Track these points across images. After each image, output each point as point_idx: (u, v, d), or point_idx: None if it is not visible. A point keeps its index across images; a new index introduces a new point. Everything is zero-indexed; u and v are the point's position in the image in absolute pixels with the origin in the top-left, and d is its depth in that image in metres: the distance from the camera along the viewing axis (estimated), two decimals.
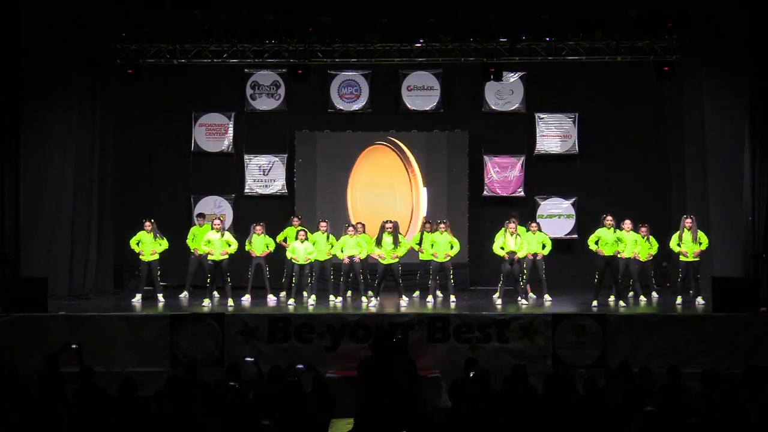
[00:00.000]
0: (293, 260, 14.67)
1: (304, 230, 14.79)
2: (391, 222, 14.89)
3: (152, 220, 15.23)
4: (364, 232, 15.23)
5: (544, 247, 15.18)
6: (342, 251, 14.93)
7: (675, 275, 14.84)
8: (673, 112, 16.60)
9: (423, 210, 17.58)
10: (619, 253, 14.36)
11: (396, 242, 14.68)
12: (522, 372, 9.04)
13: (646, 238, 14.93)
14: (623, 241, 14.39)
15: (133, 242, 15.07)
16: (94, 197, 15.73)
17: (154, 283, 15.07)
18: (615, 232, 14.33)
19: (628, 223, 14.68)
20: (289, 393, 8.35)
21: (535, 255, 15.01)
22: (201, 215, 16.07)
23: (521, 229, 14.96)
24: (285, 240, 15.48)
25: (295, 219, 15.75)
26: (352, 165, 17.76)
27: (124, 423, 7.11)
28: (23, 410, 7.25)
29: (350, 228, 15.08)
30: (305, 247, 14.59)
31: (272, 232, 15.53)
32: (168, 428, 7.13)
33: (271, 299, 14.86)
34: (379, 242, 14.73)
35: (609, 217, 14.41)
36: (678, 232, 14.46)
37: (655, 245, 15.07)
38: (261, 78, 17.88)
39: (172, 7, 15.10)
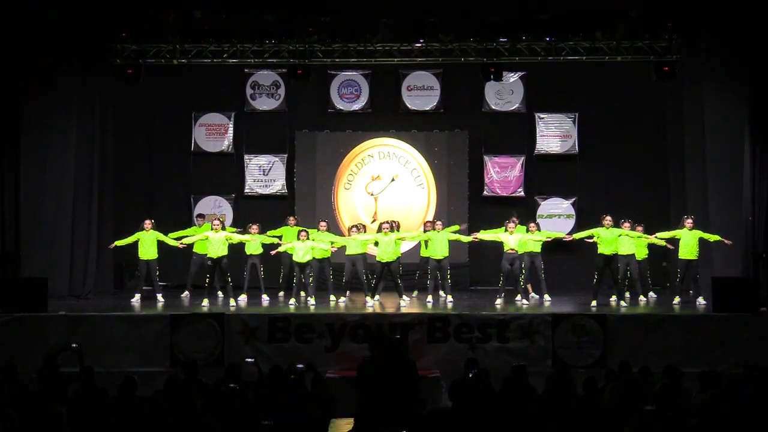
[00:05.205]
0: (294, 260, 14.66)
1: (305, 231, 14.77)
2: (388, 222, 14.96)
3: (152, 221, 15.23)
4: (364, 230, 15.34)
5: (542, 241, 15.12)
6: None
7: (675, 275, 14.83)
8: (673, 112, 16.59)
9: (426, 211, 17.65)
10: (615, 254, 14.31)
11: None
12: (522, 372, 9.04)
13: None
14: (625, 238, 14.34)
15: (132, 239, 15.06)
16: (94, 197, 15.73)
17: (153, 282, 15.06)
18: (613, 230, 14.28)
19: (626, 225, 14.66)
20: (289, 393, 8.36)
21: (533, 254, 14.99)
22: (201, 216, 16.11)
23: (521, 228, 15.00)
24: (280, 238, 15.40)
25: (292, 219, 15.76)
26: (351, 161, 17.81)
27: (124, 423, 7.11)
28: (23, 410, 7.24)
29: (353, 228, 15.09)
30: (305, 246, 14.57)
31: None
32: (168, 428, 7.13)
33: (264, 299, 14.83)
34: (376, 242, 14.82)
35: (608, 217, 14.38)
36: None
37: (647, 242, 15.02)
38: (261, 78, 17.88)
39: (172, 7, 15.10)
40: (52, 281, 14.03)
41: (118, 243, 15.06)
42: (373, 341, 8.70)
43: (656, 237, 14.56)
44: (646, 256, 15.22)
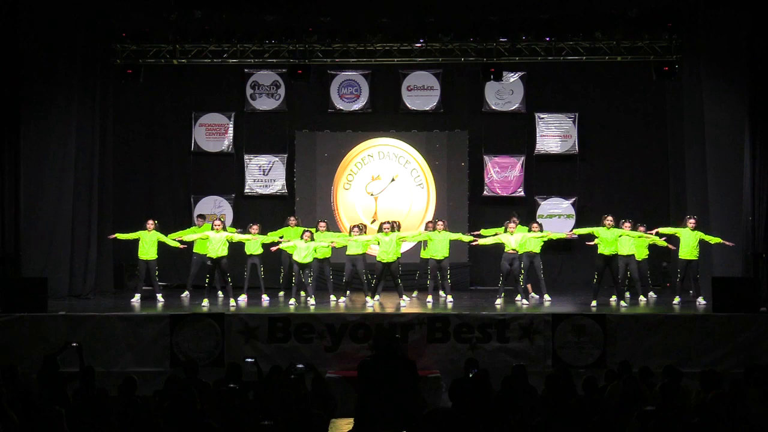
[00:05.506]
0: (295, 260, 14.62)
1: (309, 231, 14.74)
2: (388, 222, 14.95)
3: (155, 221, 15.23)
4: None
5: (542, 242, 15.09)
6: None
7: (675, 275, 14.84)
8: (673, 111, 16.60)
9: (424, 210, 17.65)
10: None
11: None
12: (522, 372, 9.04)
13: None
14: (625, 238, 14.34)
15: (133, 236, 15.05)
16: (94, 197, 15.74)
17: (152, 283, 15.06)
18: (614, 230, 14.29)
19: (627, 225, 14.66)
20: (289, 393, 8.36)
21: (531, 254, 14.97)
22: (201, 216, 16.14)
23: (522, 228, 14.99)
24: (281, 237, 15.37)
25: (292, 219, 15.75)
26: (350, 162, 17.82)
27: (124, 423, 7.11)
28: (23, 410, 7.24)
29: (355, 228, 15.02)
30: (308, 247, 14.54)
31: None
32: (168, 428, 7.13)
33: (264, 299, 14.83)
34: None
35: (609, 217, 14.39)
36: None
37: (647, 242, 15.02)
38: (261, 78, 17.88)
39: (172, 7, 15.10)
40: (52, 281, 14.03)
41: (119, 236, 15.10)
42: (377, 338, 8.72)
43: (657, 232, 14.56)
44: (647, 256, 15.22)
